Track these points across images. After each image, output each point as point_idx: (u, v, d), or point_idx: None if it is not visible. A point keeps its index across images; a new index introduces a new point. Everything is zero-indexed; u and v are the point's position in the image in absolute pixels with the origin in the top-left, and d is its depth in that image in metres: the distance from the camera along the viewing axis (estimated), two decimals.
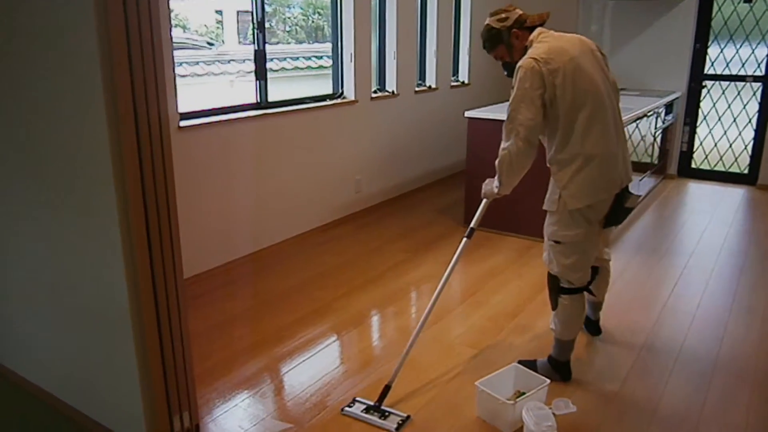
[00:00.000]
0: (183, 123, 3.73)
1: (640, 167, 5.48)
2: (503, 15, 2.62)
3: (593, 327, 3.19)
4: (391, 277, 4.02)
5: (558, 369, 2.79)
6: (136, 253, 2.11)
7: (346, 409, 2.60)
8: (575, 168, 2.51)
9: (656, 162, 6.15)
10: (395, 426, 2.47)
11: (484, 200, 2.78)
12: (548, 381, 2.53)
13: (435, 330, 3.32)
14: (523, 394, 2.48)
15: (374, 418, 2.52)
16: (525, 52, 2.55)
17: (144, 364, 2.22)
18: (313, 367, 2.96)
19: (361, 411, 2.57)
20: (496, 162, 2.61)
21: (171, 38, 3.56)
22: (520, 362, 2.75)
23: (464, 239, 2.78)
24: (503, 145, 2.56)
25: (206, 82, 6.72)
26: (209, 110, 4.02)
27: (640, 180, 5.50)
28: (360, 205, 5.35)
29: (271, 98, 4.44)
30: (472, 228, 2.77)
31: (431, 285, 3.93)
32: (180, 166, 3.66)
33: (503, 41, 2.64)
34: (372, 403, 2.60)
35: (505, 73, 2.70)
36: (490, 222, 4.87)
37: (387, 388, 2.63)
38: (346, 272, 4.10)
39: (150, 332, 2.20)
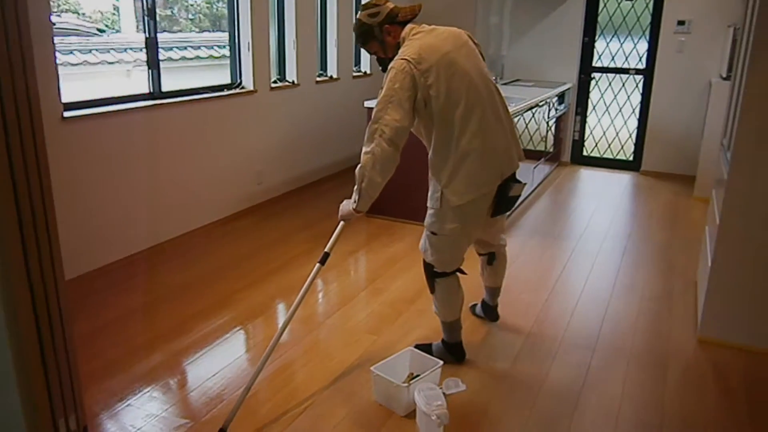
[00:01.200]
0: (68, 114, 3.55)
1: (535, 155, 5.73)
2: (374, 10, 2.55)
3: (491, 313, 3.28)
4: (293, 268, 4.01)
5: (451, 350, 2.88)
6: (9, 255, 2.00)
7: None
8: (454, 166, 2.51)
9: (551, 150, 6.45)
10: None
11: (341, 223, 2.73)
12: (441, 363, 2.61)
13: (336, 318, 3.34)
14: (417, 376, 2.55)
15: None
16: (398, 48, 2.52)
17: (23, 370, 2.11)
18: (212, 361, 2.92)
19: None
20: (357, 170, 2.52)
21: (51, 23, 3.38)
22: (416, 346, 2.83)
23: (317, 264, 2.65)
24: (365, 149, 2.47)
25: (100, 71, 6.41)
26: (98, 100, 3.84)
27: (535, 167, 5.75)
28: (262, 197, 5.28)
29: (166, 88, 4.30)
30: (326, 253, 2.67)
31: (334, 274, 3.95)
32: (67, 159, 3.52)
33: (375, 37, 2.58)
34: None
35: (380, 68, 2.65)
36: (389, 211, 4.96)
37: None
38: (247, 264, 4.05)
39: (28, 337, 2.08)
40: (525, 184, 2.78)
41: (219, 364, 2.89)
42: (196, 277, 3.82)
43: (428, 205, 2.70)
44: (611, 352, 3.05)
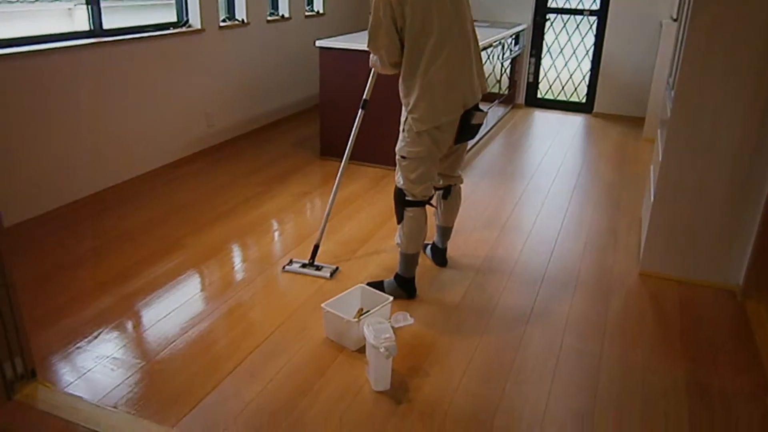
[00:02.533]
0: (2, 51, 3.38)
1: (489, 97, 5.73)
2: None
3: (440, 256, 3.33)
4: (244, 211, 3.98)
5: (403, 286, 2.94)
6: None
7: (287, 267, 3.22)
8: (419, 93, 2.66)
9: (505, 92, 6.46)
10: (329, 274, 3.14)
11: (373, 71, 3.04)
12: (391, 299, 2.66)
13: (291, 256, 3.35)
14: (367, 312, 2.60)
15: (311, 271, 3.17)
16: None
17: None
18: (164, 303, 2.91)
19: (299, 267, 3.21)
20: (371, 61, 2.90)
21: None
22: (368, 284, 2.87)
23: (360, 111, 3.19)
24: (372, 57, 2.84)
25: (40, 9, 6.08)
26: (35, 37, 3.67)
27: (489, 109, 5.77)
28: (212, 141, 5.18)
29: (107, 26, 4.12)
30: (365, 99, 3.19)
31: (288, 215, 3.95)
32: (4, 98, 3.36)
33: None
34: (306, 261, 3.24)
35: None
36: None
37: (316, 247, 3.25)
38: (198, 208, 4.00)
39: None
40: (486, 112, 2.90)
41: (171, 305, 2.89)
42: (143, 222, 3.77)
43: (400, 129, 2.83)
44: (557, 286, 3.16)
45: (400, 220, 2.89)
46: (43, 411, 2.19)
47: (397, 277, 2.97)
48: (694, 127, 2.99)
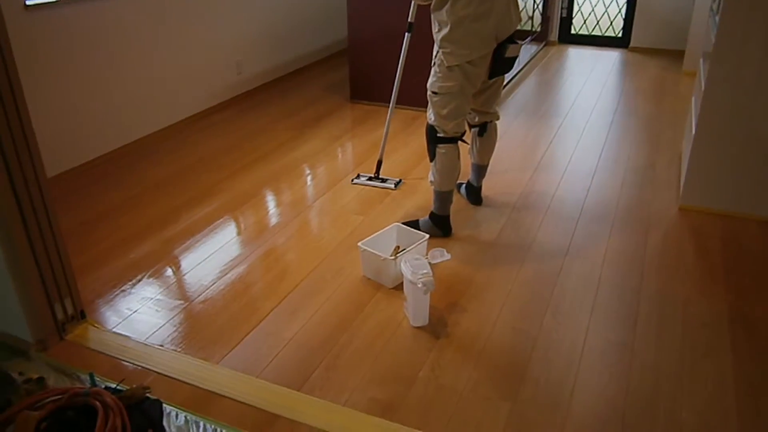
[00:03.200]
0: (30, 2, 3.38)
1: (521, 34, 5.56)
2: None
3: (475, 195, 3.30)
4: (277, 156, 3.99)
5: (438, 224, 2.93)
6: None
7: (354, 180, 3.58)
8: (450, 29, 2.61)
9: (538, 29, 6.26)
10: (393, 185, 3.49)
11: None
12: (427, 236, 2.66)
13: (323, 201, 3.37)
14: (404, 250, 2.61)
15: (377, 183, 3.53)
16: None
17: (14, 259, 2.14)
18: (203, 246, 2.96)
19: (366, 180, 3.57)
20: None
21: None
22: (403, 223, 2.87)
23: (407, 34, 3.33)
24: None
25: None
26: None
27: (521, 46, 5.60)
28: (242, 88, 5.16)
29: None
30: (410, 23, 3.28)
31: (320, 159, 3.94)
32: (33, 51, 3.39)
33: None
34: (372, 175, 3.59)
35: None
36: (376, 95, 4.88)
37: (380, 163, 3.58)
38: (230, 154, 4.02)
39: (15, 228, 2.11)
40: (520, 44, 2.82)
41: (209, 249, 2.94)
42: (178, 171, 3.80)
43: (431, 64, 2.79)
44: (594, 222, 3.11)
45: (432, 157, 2.86)
46: (93, 349, 2.28)
47: (432, 215, 2.96)
48: (740, 56, 2.86)
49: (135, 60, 4.08)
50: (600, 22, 6.86)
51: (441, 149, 2.82)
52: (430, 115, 2.83)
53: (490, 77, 2.82)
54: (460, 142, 2.86)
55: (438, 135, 2.81)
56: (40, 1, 3.43)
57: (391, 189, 3.45)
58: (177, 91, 4.48)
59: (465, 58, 2.64)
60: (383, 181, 3.53)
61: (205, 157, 3.99)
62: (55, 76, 3.56)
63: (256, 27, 5.18)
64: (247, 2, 5.03)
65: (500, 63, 2.77)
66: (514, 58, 2.83)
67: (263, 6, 5.23)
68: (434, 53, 2.75)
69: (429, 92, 2.79)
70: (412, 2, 3.12)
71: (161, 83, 4.32)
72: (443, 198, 2.91)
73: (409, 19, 3.27)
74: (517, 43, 2.78)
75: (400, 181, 3.53)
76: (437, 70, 2.74)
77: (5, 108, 2.02)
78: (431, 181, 2.91)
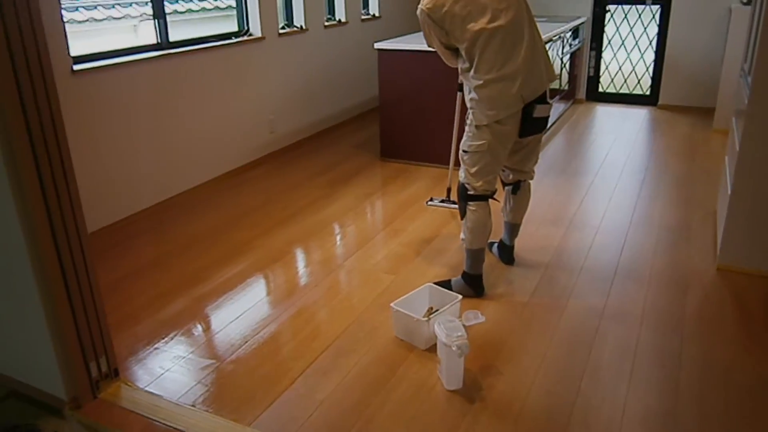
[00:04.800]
0: (77, 67, 3.53)
1: (550, 93, 5.61)
2: None
3: (507, 254, 3.28)
4: (309, 213, 4.03)
5: (471, 283, 2.91)
6: (31, 209, 2.04)
7: (429, 203, 4.06)
8: (477, 91, 2.70)
9: (565, 87, 6.33)
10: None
11: None
12: (460, 297, 2.64)
13: (354, 259, 3.38)
14: (437, 311, 2.58)
15: (450, 205, 3.95)
16: None
17: (53, 317, 2.17)
18: (234, 305, 2.97)
19: (439, 202, 4.05)
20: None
21: None
22: (435, 283, 2.85)
23: (458, 93, 3.66)
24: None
25: (107, 27, 6.34)
26: (105, 53, 3.82)
27: (551, 106, 5.65)
28: (275, 146, 5.27)
29: (173, 39, 4.26)
30: (460, 83, 3.43)
31: (351, 217, 3.97)
32: (77, 112, 3.53)
33: None
34: (443, 198, 4.08)
35: None
36: (406, 154, 4.95)
37: (449, 189, 4.00)
38: (263, 212, 4.08)
39: (56, 286, 2.14)
40: (551, 104, 2.85)
41: (241, 308, 2.94)
42: (211, 227, 3.86)
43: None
44: (630, 282, 3.06)
45: (463, 215, 2.89)
46: (126, 409, 2.27)
47: (464, 274, 2.94)
48: None
49: (171, 120, 4.21)
50: (627, 80, 6.92)
51: (471, 207, 2.84)
52: (461, 173, 2.87)
53: (520, 136, 2.84)
54: (491, 201, 2.86)
55: (468, 192, 2.84)
56: (85, 67, 3.58)
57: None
58: (212, 149, 4.59)
59: (492, 118, 2.69)
60: (454, 203, 3.81)
61: (238, 215, 4.05)
62: (96, 135, 3.69)
63: (288, 86, 5.33)
64: (280, 62, 5.19)
65: (529, 123, 2.79)
66: (544, 118, 2.84)
67: (295, 66, 5.39)
68: (467, 114, 2.81)
69: (461, 151, 2.85)
70: None
71: (197, 142, 4.44)
72: (474, 256, 2.90)
73: (459, 80, 3.36)
74: (547, 103, 2.81)
75: None
76: (468, 129, 2.80)
77: (52, 167, 2.08)
78: (462, 239, 2.91)
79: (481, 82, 2.67)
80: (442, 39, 2.76)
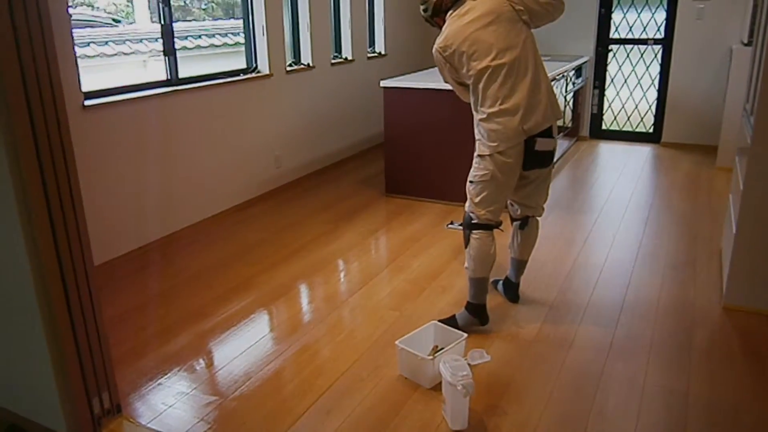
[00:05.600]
0: (88, 102, 3.59)
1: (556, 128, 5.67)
2: (423, 6, 2.94)
3: (512, 291, 3.27)
4: (313, 249, 4.03)
5: (475, 313, 2.91)
6: (39, 242, 2.05)
7: (449, 226, 4.16)
8: (482, 123, 2.79)
9: (569, 125, 6.38)
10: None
11: None
12: (465, 336, 2.63)
13: (358, 296, 3.37)
14: (442, 349, 2.57)
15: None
16: None
17: (57, 351, 2.17)
18: (237, 341, 2.96)
19: (458, 225, 4.00)
20: None
21: (69, 15, 3.41)
22: (440, 321, 2.84)
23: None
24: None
25: (117, 62, 6.45)
26: (116, 88, 3.89)
27: (555, 141, 5.69)
28: (280, 181, 5.31)
29: (182, 75, 4.33)
30: None
31: (355, 253, 3.97)
32: (87, 147, 3.57)
33: (432, 24, 3.01)
34: (461, 222, 3.38)
35: None
36: (411, 189, 4.97)
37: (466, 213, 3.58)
38: (267, 247, 4.09)
39: (61, 319, 2.14)
40: (555, 139, 2.88)
41: (244, 344, 2.93)
42: (216, 262, 3.87)
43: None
44: (636, 321, 3.04)
45: (467, 243, 2.91)
46: None
47: (468, 305, 2.95)
48: None
49: (178, 154, 4.25)
50: (630, 118, 6.98)
51: (474, 235, 2.88)
52: (467, 203, 2.93)
53: (525, 169, 2.87)
54: (498, 234, 2.89)
55: (472, 221, 2.88)
56: (96, 102, 3.64)
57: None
58: (218, 184, 4.63)
59: (494, 149, 2.76)
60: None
61: (243, 249, 4.05)
62: (104, 169, 3.72)
63: (295, 122, 5.39)
64: (287, 99, 5.27)
65: (532, 156, 2.83)
66: (549, 153, 2.87)
67: (301, 103, 5.47)
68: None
69: (468, 182, 2.90)
70: None
71: (203, 177, 4.48)
72: (478, 285, 2.91)
73: None
74: (550, 138, 2.83)
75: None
76: (474, 161, 2.88)
77: (62, 200, 2.10)
78: (466, 268, 2.93)
79: (484, 116, 2.76)
80: (453, 75, 2.88)
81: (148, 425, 2.37)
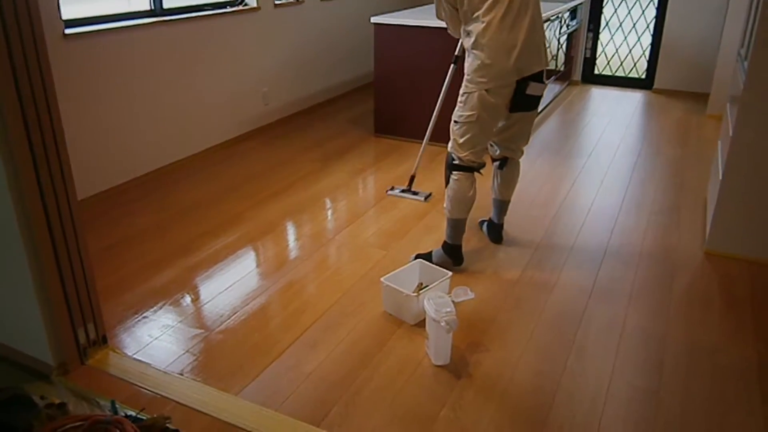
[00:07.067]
0: (69, 31, 3.47)
1: (546, 73, 5.59)
2: None
3: (496, 232, 3.28)
4: (301, 187, 4.01)
5: (450, 253, 2.93)
6: (20, 175, 2.02)
7: (389, 192, 3.88)
8: (473, 57, 2.70)
9: (561, 68, 6.30)
10: (424, 198, 3.79)
11: None
12: (450, 274, 2.65)
13: (345, 234, 3.37)
14: (426, 287, 2.59)
15: (410, 195, 3.84)
16: None
17: (41, 282, 2.16)
18: (224, 276, 2.97)
19: (400, 192, 3.86)
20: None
21: None
22: (417, 255, 2.87)
23: (452, 66, 3.48)
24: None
25: None
26: (98, 17, 3.76)
27: (546, 86, 5.63)
28: (268, 119, 5.23)
29: (167, 5, 4.19)
30: (456, 56, 3.43)
31: (343, 192, 3.96)
32: (69, 77, 3.48)
33: None
34: (404, 187, 3.89)
35: None
36: (400, 131, 4.92)
37: (413, 177, 3.87)
38: (254, 184, 4.06)
39: (44, 251, 2.13)
40: (546, 84, 2.85)
41: (231, 279, 2.94)
42: (203, 198, 3.84)
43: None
44: (619, 264, 3.08)
45: (447, 183, 2.90)
46: (113, 375, 2.27)
47: (444, 244, 2.97)
48: None
49: (164, 88, 4.16)
50: (624, 63, 6.89)
51: (455, 176, 2.86)
52: (450, 143, 2.88)
53: (511, 111, 2.83)
54: (479, 177, 2.87)
55: (454, 162, 2.85)
56: (77, 31, 3.52)
57: (421, 201, 3.75)
58: (205, 120, 4.55)
59: (484, 85, 2.68)
60: (415, 193, 3.82)
61: (231, 186, 4.03)
62: (87, 101, 3.64)
63: (282, 59, 5.27)
64: (275, 34, 5.13)
65: (521, 99, 2.78)
66: (537, 97, 2.84)
67: (289, 38, 5.33)
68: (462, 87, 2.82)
69: (452, 121, 2.85)
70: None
71: (190, 112, 4.40)
72: (455, 225, 2.92)
73: (456, 53, 3.43)
74: (541, 82, 2.79)
75: (430, 194, 3.81)
76: (460, 99, 2.80)
77: (42, 132, 2.06)
78: (445, 208, 2.93)
79: (479, 47, 2.63)
80: (446, 4, 2.78)
81: (134, 356, 2.39)
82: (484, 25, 2.62)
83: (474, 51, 2.68)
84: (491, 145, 3.06)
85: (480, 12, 2.63)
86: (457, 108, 2.82)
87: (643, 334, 2.54)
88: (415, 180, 3.91)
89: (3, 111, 1.94)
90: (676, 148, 4.85)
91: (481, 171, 2.90)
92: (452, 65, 3.48)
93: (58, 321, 2.22)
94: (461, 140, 2.81)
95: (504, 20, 2.61)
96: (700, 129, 5.32)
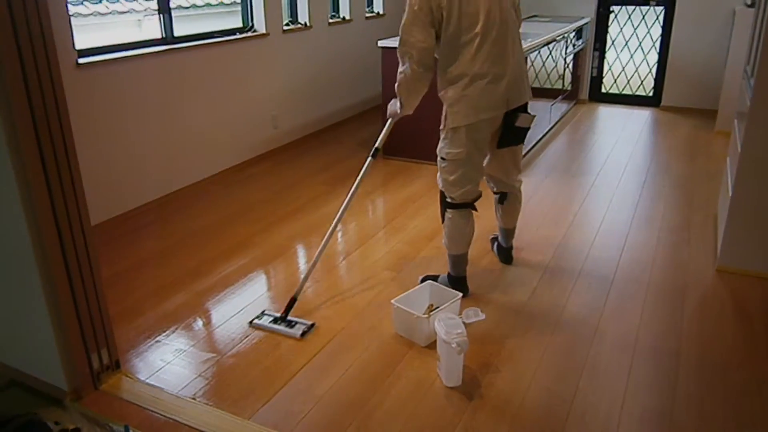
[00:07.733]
0: (82, 60, 3.55)
1: (552, 93, 5.64)
2: None
3: (505, 255, 3.27)
4: (311, 209, 4.04)
5: (454, 284, 2.89)
6: (35, 201, 2.05)
7: (255, 321, 2.77)
8: (459, 87, 2.58)
9: (568, 87, 6.33)
10: (300, 333, 2.66)
11: (389, 120, 2.87)
12: (460, 295, 2.65)
13: (356, 255, 3.39)
14: (437, 308, 2.60)
15: (281, 328, 2.70)
16: None
17: (55, 307, 2.19)
18: (235, 299, 2.99)
19: (269, 322, 2.74)
20: (396, 86, 2.69)
21: None
22: (425, 276, 2.87)
23: (368, 158, 2.91)
24: (400, 68, 2.65)
25: (111, 21, 6.35)
26: (110, 46, 3.83)
27: (552, 105, 5.67)
28: (278, 142, 5.29)
29: (177, 33, 4.27)
30: (376, 148, 2.90)
31: (352, 214, 3.98)
32: (82, 105, 3.54)
33: None
34: (278, 315, 2.77)
35: None
36: (407, 152, 4.95)
37: (293, 300, 2.80)
38: (264, 208, 4.09)
39: (58, 276, 2.16)
40: (534, 116, 2.78)
41: (242, 302, 2.96)
42: (214, 222, 3.87)
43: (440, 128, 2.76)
44: (630, 283, 3.07)
45: (443, 220, 2.85)
46: (126, 400, 2.28)
47: (449, 275, 2.95)
48: None
49: (175, 114, 4.22)
50: (630, 81, 6.92)
51: (449, 214, 2.80)
52: (439, 180, 2.81)
53: (499, 146, 2.77)
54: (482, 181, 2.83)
55: (447, 200, 2.80)
56: (90, 60, 3.59)
57: (296, 337, 2.63)
58: (215, 145, 4.61)
59: (471, 119, 2.58)
60: (290, 325, 2.70)
61: (240, 210, 4.06)
62: (100, 128, 3.70)
63: (292, 83, 5.34)
64: (284, 59, 5.20)
65: (510, 132, 2.72)
66: (525, 129, 2.77)
67: (298, 63, 5.40)
68: (443, 116, 2.71)
69: (438, 157, 2.76)
70: (386, 126, 2.88)
71: (201, 137, 4.45)
72: (455, 261, 2.89)
73: (376, 145, 2.90)
74: (529, 114, 2.74)
75: (313, 325, 2.70)
76: (444, 133, 2.70)
77: (57, 158, 2.10)
78: (444, 244, 2.90)
79: (464, 77, 2.52)
80: (431, 20, 2.50)
81: (147, 381, 2.40)
82: (475, 56, 2.52)
83: (460, 82, 2.56)
84: (487, 181, 3.01)
85: (468, 41, 2.52)
86: (442, 144, 2.71)
87: (656, 353, 2.52)
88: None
89: (18, 138, 1.98)
90: (684, 164, 4.85)
91: (476, 207, 2.82)
92: (370, 158, 2.91)
93: (72, 346, 2.24)
94: (452, 178, 2.72)
95: (495, 53, 2.54)
96: (708, 145, 5.32)
